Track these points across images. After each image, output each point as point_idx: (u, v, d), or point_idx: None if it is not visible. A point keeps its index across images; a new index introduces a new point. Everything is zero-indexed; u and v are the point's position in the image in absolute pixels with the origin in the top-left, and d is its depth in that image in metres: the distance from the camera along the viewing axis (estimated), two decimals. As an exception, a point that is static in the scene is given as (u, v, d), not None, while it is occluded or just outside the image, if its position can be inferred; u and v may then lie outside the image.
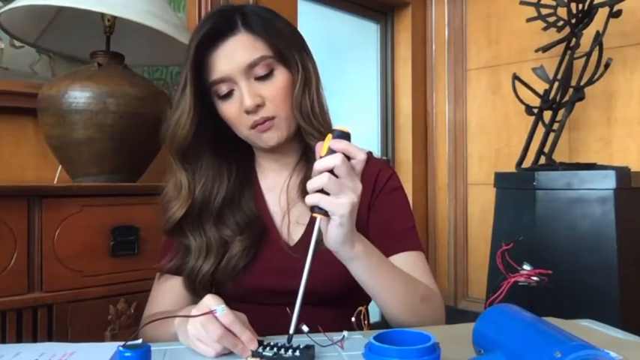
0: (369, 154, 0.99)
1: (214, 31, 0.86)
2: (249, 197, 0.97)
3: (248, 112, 0.87)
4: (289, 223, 0.94)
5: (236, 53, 0.85)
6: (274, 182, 0.98)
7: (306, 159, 0.93)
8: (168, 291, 0.96)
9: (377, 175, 0.96)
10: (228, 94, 0.88)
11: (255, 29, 0.87)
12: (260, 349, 0.65)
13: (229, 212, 0.94)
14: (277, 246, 0.92)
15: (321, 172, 0.69)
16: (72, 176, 1.42)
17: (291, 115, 0.90)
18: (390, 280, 0.80)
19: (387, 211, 0.94)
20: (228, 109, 0.89)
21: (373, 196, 0.95)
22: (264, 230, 0.94)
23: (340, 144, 0.70)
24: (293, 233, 0.93)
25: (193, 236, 0.91)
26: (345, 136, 0.71)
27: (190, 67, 0.86)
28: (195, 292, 0.92)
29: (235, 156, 0.97)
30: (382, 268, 0.79)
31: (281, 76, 0.88)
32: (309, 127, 0.89)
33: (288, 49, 0.89)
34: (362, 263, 0.76)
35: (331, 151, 0.70)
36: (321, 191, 0.69)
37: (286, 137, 0.91)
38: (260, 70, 0.86)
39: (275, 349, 0.65)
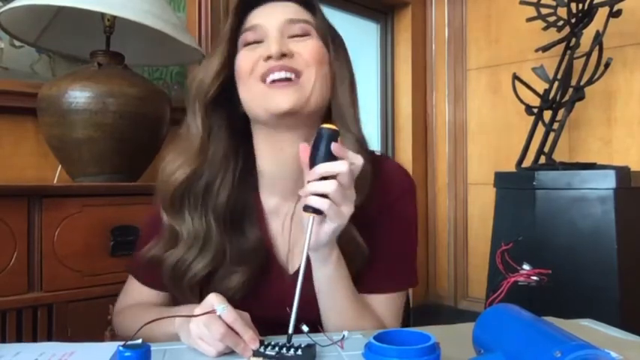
0: (384, 156, 0.91)
1: None
2: (251, 220, 0.87)
3: (269, 59, 0.78)
4: (289, 250, 0.87)
5: (278, 10, 0.82)
6: (278, 206, 0.88)
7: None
8: (144, 292, 0.92)
9: (394, 189, 0.86)
10: (255, 43, 0.81)
11: (308, 3, 0.84)
12: (262, 349, 0.65)
13: (237, 229, 0.85)
14: (276, 274, 0.86)
15: (322, 176, 0.68)
16: (72, 176, 1.42)
17: (322, 84, 0.80)
18: (345, 298, 0.78)
19: (386, 243, 0.84)
20: (247, 57, 0.81)
21: (383, 209, 0.84)
22: (265, 259, 0.86)
23: (343, 151, 0.69)
24: (293, 260, 0.87)
25: (192, 217, 0.81)
26: (335, 134, 0.70)
27: (236, 8, 0.82)
28: (180, 291, 0.83)
29: (240, 160, 0.87)
30: (342, 282, 0.78)
31: (316, 41, 0.81)
32: (340, 122, 0.79)
33: (331, 34, 0.84)
34: (329, 270, 0.76)
35: (329, 154, 0.69)
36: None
37: (305, 103, 0.78)
38: (296, 29, 0.81)
39: (277, 348, 0.65)
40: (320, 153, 0.69)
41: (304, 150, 0.71)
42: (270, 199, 0.88)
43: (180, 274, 0.82)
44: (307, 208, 0.69)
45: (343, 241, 0.77)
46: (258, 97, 0.79)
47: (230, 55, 0.82)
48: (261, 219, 0.88)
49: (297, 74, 0.79)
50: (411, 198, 0.89)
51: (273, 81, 0.78)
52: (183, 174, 0.80)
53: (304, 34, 0.81)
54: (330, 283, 0.77)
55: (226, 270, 0.83)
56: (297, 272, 0.79)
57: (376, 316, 0.83)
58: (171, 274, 0.83)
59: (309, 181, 0.69)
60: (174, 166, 0.82)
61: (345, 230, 0.74)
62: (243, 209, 0.86)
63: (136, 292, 0.93)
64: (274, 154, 0.84)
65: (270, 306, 0.77)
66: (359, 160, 0.70)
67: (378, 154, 0.90)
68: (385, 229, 0.84)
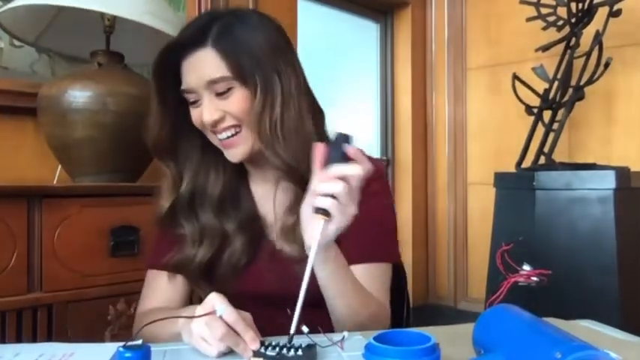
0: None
1: (186, 41, 0.89)
2: (246, 198, 0.99)
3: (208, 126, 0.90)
4: (280, 229, 0.94)
5: (200, 67, 0.88)
6: (265, 190, 0.98)
7: (286, 173, 0.89)
8: (161, 287, 0.97)
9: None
10: (195, 102, 0.90)
11: (223, 48, 0.87)
12: (262, 349, 0.65)
13: (230, 206, 0.96)
14: (270, 251, 0.93)
15: (334, 177, 0.69)
16: (72, 176, 1.42)
17: (262, 124, 0.88)
18: (348, 290, 0.82)
19: (363, 217, 0.87)
20: (195, 116, 0.91)
21: None
22: (261, 232, 0.96)
23: (358, 153, 0.71)
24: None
25: (187, 223, 0.93)
26: (349, 141, 0.71)
27: (154, 72, 0.90)
28: (194, 281, 0.95)
29: None
30: (344, 276, 0.81)
31: (238, 95, 0.88)
32: (265, 147, 0.87)
33: (254, 69, 0.87)
34: (330, 267, 0.78)
35: (342, 155, 0.70)
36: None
37: (250, 152, 0.90)
38: (219, 88, 0.87)
39: (277, 349, 0.65)
40: (335, 156, 0.71)
41: (319, 150, 0.72)
42: (258, 187, 0.99)
43: (187, 267, 0.93)
44: (318, 210, 0.70)
45: None
46: (219, 146, 0.92)
47: (163, 102, 0.92)
48: (252, 201, 0.99)
49: (238, 126, 0.89)
50: (380, 180, 0.96)
51: (222, 139, 0.90)
52: (166, 204, 0.93)
53: (227, 90, 0.87)
54: (333, 279, 0.79)
55: (228, 240, 0.93)
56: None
57: (378, 299, 0.87)
58: (182, 271, 0.95)
59: (320, 181, 0.70)
60: (160, 197, 0.94)
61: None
62: (237, 191, 0.98)
63: (157, 289, 0.97)
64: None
65: (268, 279, 0.90)
66: (368, 165, 0.72)
67: None
68: (360, 209, 0.86)
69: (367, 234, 0.90)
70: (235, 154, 0.91)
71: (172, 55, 0.90)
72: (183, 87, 0.90)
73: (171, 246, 0.95)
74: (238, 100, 0.88)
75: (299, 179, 0.86)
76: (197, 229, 0.93)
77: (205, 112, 0.88)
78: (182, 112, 0.92)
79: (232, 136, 0.89)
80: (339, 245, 0.83)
